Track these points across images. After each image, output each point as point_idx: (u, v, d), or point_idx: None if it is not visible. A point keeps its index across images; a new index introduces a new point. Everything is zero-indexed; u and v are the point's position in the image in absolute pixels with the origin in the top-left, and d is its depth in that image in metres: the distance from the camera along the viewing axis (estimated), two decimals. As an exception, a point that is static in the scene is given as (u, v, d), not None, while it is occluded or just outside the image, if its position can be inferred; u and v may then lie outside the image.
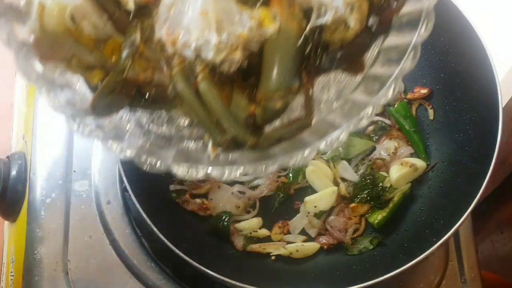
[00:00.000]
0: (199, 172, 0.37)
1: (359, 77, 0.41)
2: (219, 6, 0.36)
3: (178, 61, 0.38)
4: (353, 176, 0.73)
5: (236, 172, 0.37)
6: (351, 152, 0.75)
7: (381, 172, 0.74)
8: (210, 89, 0.38)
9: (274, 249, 0.69)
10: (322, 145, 0.37)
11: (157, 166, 0.37)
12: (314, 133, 0.39)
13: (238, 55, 0.38)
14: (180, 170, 0.37)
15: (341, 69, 0.41)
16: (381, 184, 0.72)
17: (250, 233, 0.70)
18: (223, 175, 0.37)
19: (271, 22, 0.38)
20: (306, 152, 0.37)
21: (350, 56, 0.40)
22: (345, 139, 0.37)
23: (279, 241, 0.71)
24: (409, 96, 0.78)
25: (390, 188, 0.73)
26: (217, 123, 0.39)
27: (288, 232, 0.72)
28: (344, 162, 0.74)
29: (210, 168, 0.37)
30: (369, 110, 0.37)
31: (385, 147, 0.75)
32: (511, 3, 0.88)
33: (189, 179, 0.38)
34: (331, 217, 0.72)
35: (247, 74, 0.41)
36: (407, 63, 0.37)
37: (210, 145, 0.40)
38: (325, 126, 0.39)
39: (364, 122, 0.37)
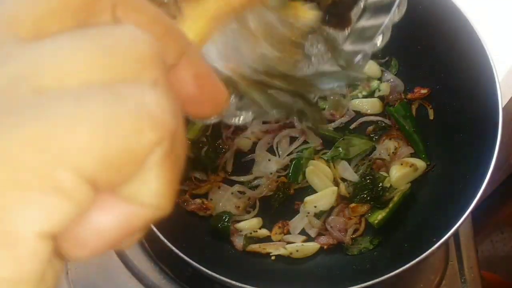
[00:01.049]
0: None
1: (346, 31, 0.43)
2: None
3: None
4: (353, 176, 0.73)
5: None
6: (351, 152, 0.75)
7: (381, 172, 0.74)
8: None
9: (274, 249, 0.69)
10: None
11: None
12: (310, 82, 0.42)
13: None
14: None
15: (329, 25, 0.43)
16: (381, 184, 0.72)
17: (250, 233, 0.70)
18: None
19: None
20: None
21: (338, 12, 0.42)
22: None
23: (279, 241, 0.71)
24: (409, 96, 0.78)
25: (390, 188, 0.73)
26: None
27: (288, 232, 0.72)
28: (344, 162, 0.74)
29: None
30: (364, 52, 0.39)
31: (385, 147, 0.75)
32: (511, 4, 0.88)
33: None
34: (331, 217, 0.72)
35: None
36: (395, 14, 0.39)
37: None
38: (319, 75, 0.42)
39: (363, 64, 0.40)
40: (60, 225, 0.14)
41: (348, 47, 0.42)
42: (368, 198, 0.72)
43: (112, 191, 0.15)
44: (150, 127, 0.15)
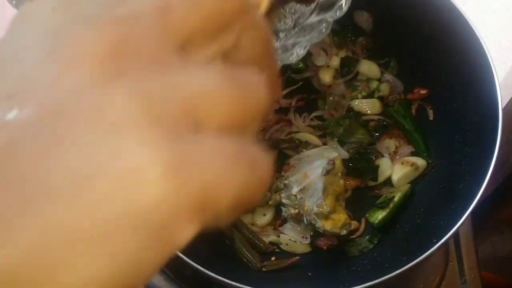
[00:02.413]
0: None
1: (312, 5, 0.46)
2: None
3: None
4: (344, 154, 0.74)
5: None
6: (348, 136, 0.75)
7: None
8: None
9: (266, 235, 0.70)
10: (289, 57, 0.42)
11: None
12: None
13: None
14: None
15: (296, 1, 0.46)
16: (373, 157, 0.74)
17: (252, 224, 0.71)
18: None
19: None
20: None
21: None
22: (308, 49, 0.42)
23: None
24: (409, 96, 0.78)
25: (391, 188, 0.73)
26: None
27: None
28: (336, 142, 0.75)
29: None
30: (325, 23, 0.42)
31: (386, 146, 0.75)
32: (511, 4, 0.88)
33: None
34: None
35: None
36: None
37: None
38: (285, 48, 0.44)
39: (324, 33, 0.42)
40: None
41: (313, 19, 0.44)
42: (362, 169, 0.73)
43: None
44: (265, 190, 0.18)
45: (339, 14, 0.42)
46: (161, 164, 0.14)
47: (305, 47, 0.42)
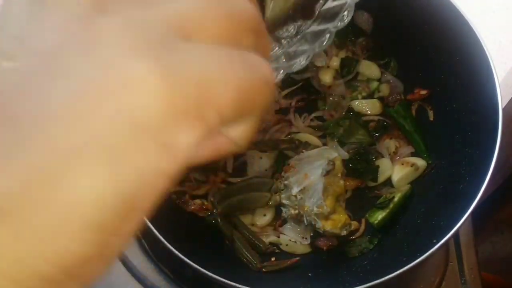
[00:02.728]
0: None
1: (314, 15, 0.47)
2: None
3: None
4: (344, 154, 0.74)
5: None
6: (349, 137, 0.75)
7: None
8: None
9: (266, 236, 0.70)
10: (291, 67, 0.42)
11: None
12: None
13: None
14: None
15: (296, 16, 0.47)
16: (373, 158, 0.74)
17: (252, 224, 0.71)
18: None
19: None
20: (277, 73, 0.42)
21: (303, 5, 0.46)
22: (310, 59, 0.42)
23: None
24: (409, 97, 0.78)
25: (391, 188, 0.73)
26: None
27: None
28: (336, 143, 0.75)
29: None
30: (328, 33, 0.42)
31: (386, 146, 0.75)
32: (511, 4, 0.88)
33: None
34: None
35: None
36: None
37: None
38: (287, 56, 0.44)
39: (326, 43, 0.43)
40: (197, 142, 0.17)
41: (315, 27, 0.44)
42: (362, 170, 0.73)
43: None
44: (270, 92, 0.18)
45: (341, 25, 0.43)
46: (150, 69, 0.15)
47: (307, 58, 0.42)
